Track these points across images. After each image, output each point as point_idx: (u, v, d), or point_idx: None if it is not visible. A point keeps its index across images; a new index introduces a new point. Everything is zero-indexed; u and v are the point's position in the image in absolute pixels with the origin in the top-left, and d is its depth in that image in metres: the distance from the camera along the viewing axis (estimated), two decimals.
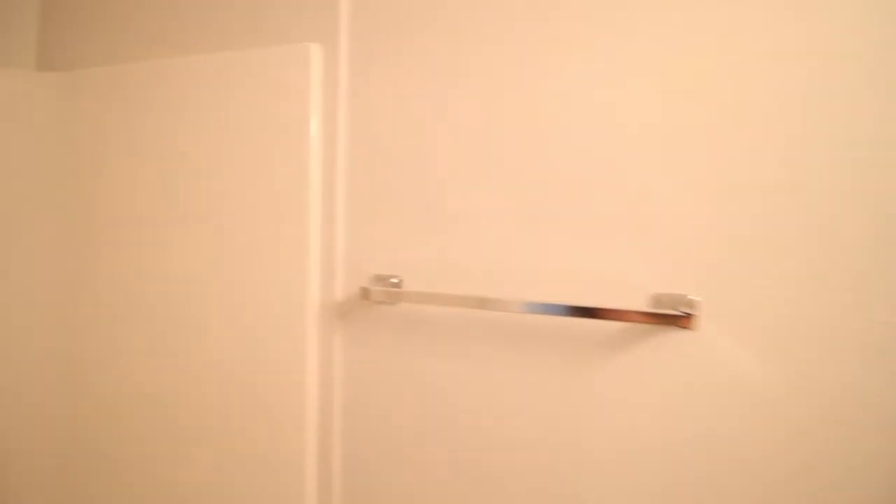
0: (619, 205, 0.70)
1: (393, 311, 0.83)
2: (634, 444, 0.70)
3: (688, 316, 0.64)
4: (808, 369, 0.63)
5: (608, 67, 0.70)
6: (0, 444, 1.00)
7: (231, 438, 0.90)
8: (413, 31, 0.81)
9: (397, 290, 0.79)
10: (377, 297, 0.78)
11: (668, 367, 0.68)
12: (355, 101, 0.85)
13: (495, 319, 0.77)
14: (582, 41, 0.72)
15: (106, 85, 1.01)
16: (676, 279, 0.68)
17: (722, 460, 0.66)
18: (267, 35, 0.90)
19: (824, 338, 0.62)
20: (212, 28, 0.96)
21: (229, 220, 0.90)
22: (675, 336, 0.68)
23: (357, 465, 0.86)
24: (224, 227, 0.91)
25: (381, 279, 0.83)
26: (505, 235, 0.76)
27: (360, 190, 0.85)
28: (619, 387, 0.71)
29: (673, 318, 0.64)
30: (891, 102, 0.59)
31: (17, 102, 1.02)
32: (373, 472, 0.85)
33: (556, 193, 0.73)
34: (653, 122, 0.68)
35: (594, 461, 0.72)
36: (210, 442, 0.92)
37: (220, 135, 0.90)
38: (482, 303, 0.72)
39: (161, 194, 0.96)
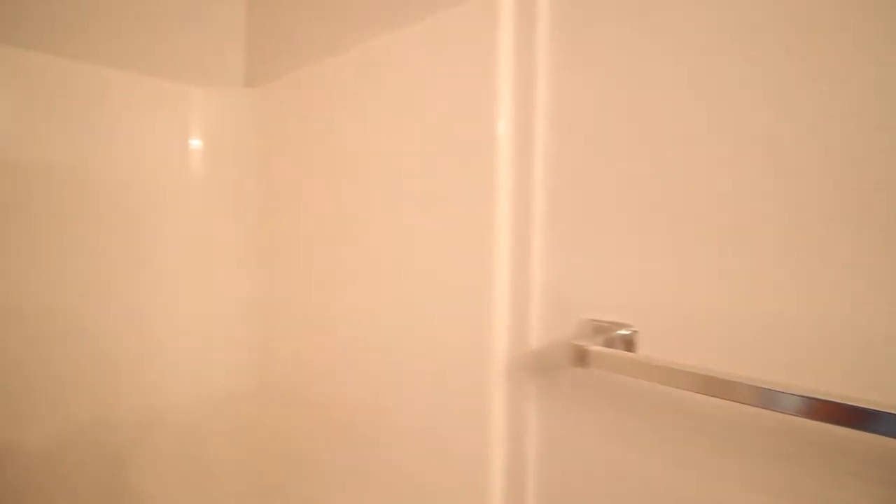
0: None
1: (617, 375, 0.55)
2: None
3: None
4: None
5: None
6: (202, 421, 1.08)
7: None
8: None
9: (630, 356, 0.50)
10: (601, 363, 0.50)
11: None
12: (560, 72, 0.59)
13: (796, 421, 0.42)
14: None
15: (288, 92, 0.97)
16: None
17: None
18: None
19: None
20: (385, 5, 0.81)
21: (399, 236, 0.74)
22: None
23: None
24: (396, 244, 0.75)
25: (601, 329, 0.55)
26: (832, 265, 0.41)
27: (565, 200, 0.59)
28: None
29: None
30: None
31: (229, 119, 1.08)
32: None
33: None
34: None
35: None
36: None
37: (389, 133, 0.74)
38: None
39: (339, 209, 0.86)
